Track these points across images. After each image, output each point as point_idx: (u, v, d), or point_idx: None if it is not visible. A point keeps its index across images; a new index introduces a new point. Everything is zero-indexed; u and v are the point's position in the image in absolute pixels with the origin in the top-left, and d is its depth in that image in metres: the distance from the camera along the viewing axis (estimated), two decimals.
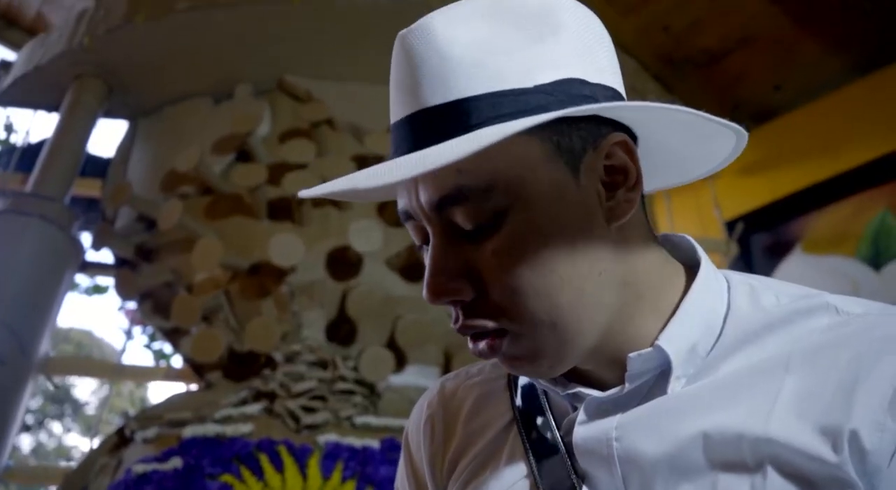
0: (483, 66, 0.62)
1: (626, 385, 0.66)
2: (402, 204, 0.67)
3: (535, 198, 0.62)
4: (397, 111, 0.66)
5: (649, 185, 0.76)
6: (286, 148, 3.00)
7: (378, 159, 3.01)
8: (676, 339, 0.65)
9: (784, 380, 0.62)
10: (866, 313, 0.65)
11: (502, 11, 0.65)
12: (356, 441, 2.58)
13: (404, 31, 0.66)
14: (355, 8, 3.07)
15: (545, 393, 0.74)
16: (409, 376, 2.97)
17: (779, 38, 3.57)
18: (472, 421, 0.78)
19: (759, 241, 3.72)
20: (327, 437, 2.57)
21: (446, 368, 2.97)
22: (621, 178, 0.66)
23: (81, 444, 11.93)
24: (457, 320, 0.65)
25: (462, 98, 0.62)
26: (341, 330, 2.95)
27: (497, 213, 0.62)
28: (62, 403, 11.66)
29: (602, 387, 0.68)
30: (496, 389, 0.78)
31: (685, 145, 0.72)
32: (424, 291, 0.64)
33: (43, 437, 11.67)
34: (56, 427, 11.80)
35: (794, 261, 3.55)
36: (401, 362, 2.89)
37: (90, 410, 11.81)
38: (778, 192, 3.69)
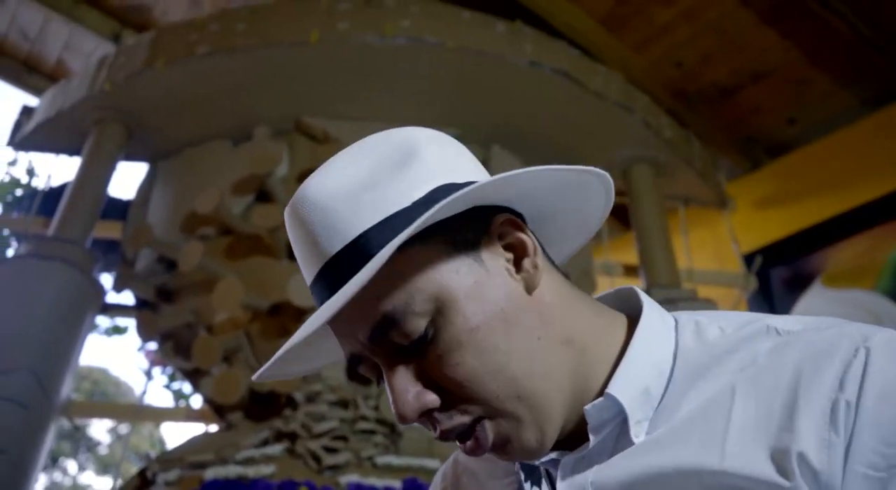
0: (362, 203, 0.69)
1: (592, 438, 0.70)
2: (346, 352, 0.73)
3: (455, 292, 0.68)
4: (308, 275, 0.73)
5: (561, 252, 0.84)
6: None
7: None
8: (625, 385, 0.70)
9: (732, 409, 0.65)
10: (803, 330, 0.69)
11: (364, 154, 0.72)
12: (378, 481, 2.56)
13: (288, 207, 0.74)
14: (371, 48, 3.11)
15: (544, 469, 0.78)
16: None
17: (792, 72, 3.59)
18: None
19: (779, 275, 3.71)
20: (349, 478, 2.56)
21: None
22: (521, 250, 0.72)
23: (96, 483, 11.90)
24: (435, 430, 0.70)
25: (355, 237, 0.68)
26: None
27: (428, 321, 0.67)
28: (77, 442, 11.63)
29: (577, 448, 0.72)
30: (501, 464, 0.83)
31: (570, 203, 0.78)
32: (396, 417, 0.69)
33: (58, 476, 11.63)
34: (71, 466, 11.76)
35: (815, 295, 3.54)
36: None
37: (104, 449, 11.79)
38: (795, 225, 3.69)
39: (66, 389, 2.85)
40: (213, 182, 3.21)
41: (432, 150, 0.74)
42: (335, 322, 0.70)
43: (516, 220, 0.74)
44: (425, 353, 0.68)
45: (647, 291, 2.99)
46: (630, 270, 3.61)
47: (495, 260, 0.72)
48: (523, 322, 0.70)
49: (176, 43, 3.21)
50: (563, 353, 0.71)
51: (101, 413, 3.79)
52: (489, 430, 0.69)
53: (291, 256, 3.01)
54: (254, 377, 0.77)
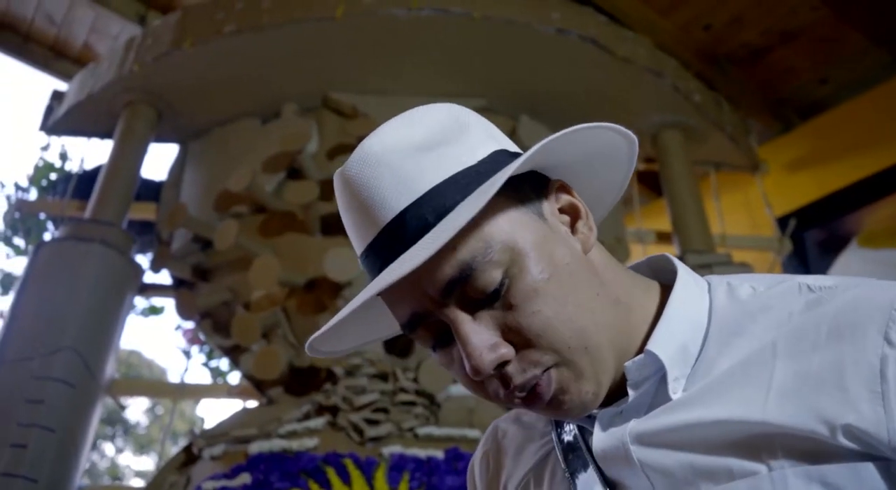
0: (430, 160, 0.71)
1: (631, 393, 0.72)
2: (407, 313, 0.73)
3: (529, 245, 0.70)
4: (366, 235, 0.73)
5: (597, 213, 0.86)
6: (336, 164, 3.03)
7: None
8: (664, 342, 0.72)
9: (774, 366, 0.67)
10: (835, 286, 0.70)
11: (417, 121, 0.75)
12: (421, 452, 2.60)
13: (341, 168, 0.75)
14: (396, 21, 3.10)
15: (578, 426, 0.80)
16: None
17: (822, 31, 3.54)
18: (519, 454, 0.88)
19: (813, 237, 3.68)
20: (392, 449, 2.59)
21: None
22: (575, 213, 0.76)
23: (133, 463, 12.11)
24: (506, 387, 0.70)
25: (427, 190, 0.70)
26: (398, 341, 2.97)
27: (504, 271, 0.69)
28: (114, 424, 11.82)
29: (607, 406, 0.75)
30: (539, 425, 0.88)
31: (603, 169, 0.81)
32: (469, 371, 0.69)
33: (95, 457, 11.83)
34: (108, 447, 11.97)
35: (850, 256, 3.51)
36: None
37: (141, 430, 11.98)
38: (829, 186, 3.65)
39: (110, 369, 2.90)
40: (243, 160, 3.23)
41: (478, 120, 0.77)
42: (402, 280, 0.68)
43: (568, 185, 0.77)
44: (497, 304, 0.69)
45: (681, 257, 2.98)
46: (663, 237, 3.59)
47: (554, 221, 0.75)
48: (586, 279, 0.72)
49: (202, 22, 3.21)
50: (615, 312, 0.73)
51: (144, 391, 3.86)
52: (554, 379, 0.70)
53: (325, 232, 3.03)
54: (308, 349, 0.79)
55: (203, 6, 3.30)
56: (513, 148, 0.78)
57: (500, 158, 0.73)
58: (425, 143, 0.72)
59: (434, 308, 0.70)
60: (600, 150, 0.78)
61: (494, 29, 3.13)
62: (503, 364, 0.69)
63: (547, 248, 0.71)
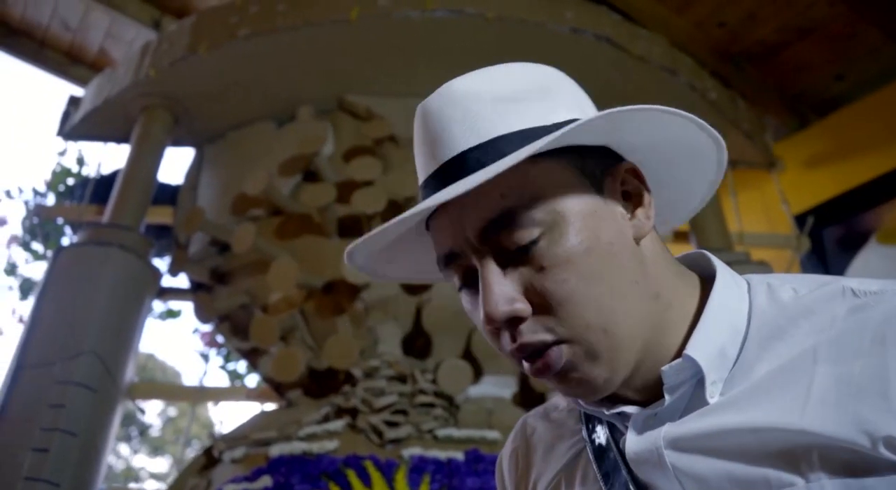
0: (506, 111, 0.72)
1: (667, 397, 0.71)
2: (444, 247, 0.74)
3: (575, 214, 0.70)
4: (429, 165, 0.75)
5: (664, 225, 0.86)
6: (352, 166, 3.04)
7: None
8: (703, 346, 0.71)
9: (814, 372, 0.65)
10: (881, 291, 0.68)
11: (510, 73, 0.77)
12: (441, 454, 2.59)
13: (424, 101, 0.78)
14: (411, 22, 3.10)
15: (609, 423, 0.79)
16: (486, 387, 2.98)
17: (838, 27, 3.52)
18: (549, 452, 0.87)
19: (832, 235, 3.65)
20: (412, 451, 2.59)
21: (522, 378, 2.97)
22: (637, 200, 0.75)
23: (149, 465, 12.16)
24: (514, 341, 0.70)
25: (494, 137, 0.71)
26: (417, 343, 2.97)
27: (543, 231, 0.69)
28: (129, 425, 11.87)
29: (642, 406, 0.74)
30: (569, 423, 0.87)
31: (683, 170, 0.80)
32: (484, 317, 0.69)
33: (111, 459, 11.88)
34: (124, 448, 12.02)
35: (870, 253, 3.48)
36: (477, 373, 2.91)
37: (155, 432, 12.03)
38: (847, 183, 3.63)
39: (130, 372, 2.91)
40: (259, 164, 3.24)
41: (570, 87, 0.79)
42: (446, 211, 0.72)
43: (640, 170, 0.77)
44: (528, 261, 0.69)
45: None
46: (680, 235, 3.58)
47: (613, 200, 0.74)
48: (626, 264, 0.71)
49: (217, 26, 3.22)
50: (650, 305, 0.72)
51: (163, 395, 3.88)
52: (564, 354, 0.69)
53: (342, 234, 3.04)
54: (346, 255, 0.79)
55: (218, 10, 3.31)
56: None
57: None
58: (508, 95, 0.74)
59: (469, 249, 0.72)
60: (681, 142, 0.77)
61: (508, 29, 3.13)
62: (518, 320, 0.69)
63: (593, 221, 0.71)
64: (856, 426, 0.60)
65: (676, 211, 0.86)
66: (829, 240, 3.66)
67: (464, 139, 0.72)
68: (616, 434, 0.77)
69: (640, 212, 0.75)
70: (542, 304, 0.69)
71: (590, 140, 0.74)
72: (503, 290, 0.69)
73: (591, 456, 0.79)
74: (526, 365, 0.71)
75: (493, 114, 0.72)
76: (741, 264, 3.08)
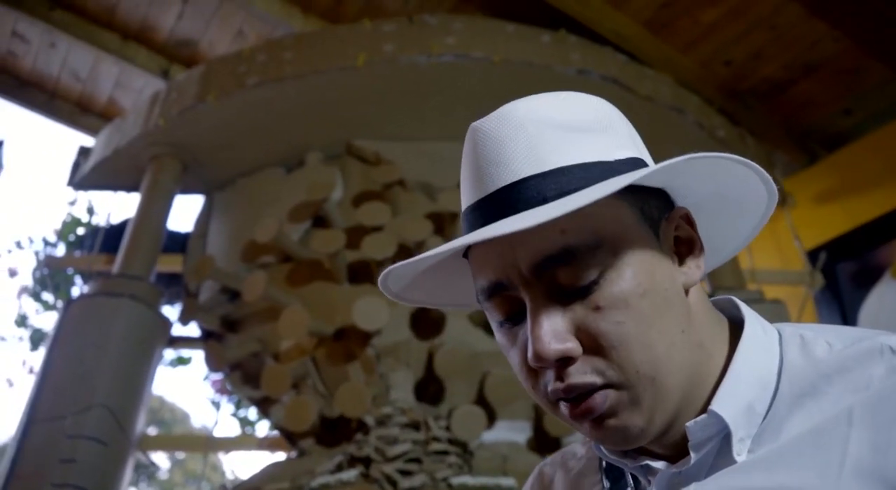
0: (570, 142, 0.70)
1: (692, 455, 0.68)
2: (490, 278, 0.71)
3: (634, 256, 0.68)
4: (479, 190, 0.72)
5: (713, 259, 0.84)
6: (361, 211, 3.03)
7: (452, 216, 3.03)
8: (730, 402, 0.68)
9: (850, 436, 0.62)
10: None
11: (572, 102, 0.75)
12: None
13: (478, 122, 0.76)
14: (417, 68, 3.12)
15: (632, 475, 0.76)
16: (500, 432, 2.94)
17: (845, 62, 3.52)
18: None
19: (846, 270, 3.62)
20: None
21: (537, 423, 2.93)
22: (687, 247, 0.73)
23: None
24: (559, 380, 0.67)
25: (556, 167, 0.69)
26: (429, 389, 2.94)
27: (602, 270, 0.66)
28: (137, 469, 11.77)
29: (667, 461, 0.71)
30: (587, 472, 0.84)
31: (731, 217, 0.79)
32: (531, 355, 0.66)
33: None
34: None
35: (885, 288, 3.45)
36: (491, 419, 2.87)
37: (163, 474, 11.93)
38: (859, 218, 3.61)
39: (140, 424, 2.88)
40: (268, 210, 3.24)
41: (626, 125, 0.77)
42: (497, 243, 0.69)
43: (693, 217, 0.75)
44: (583, 300, 0.67)
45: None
46: None
47: (667, 245, 0.73)
48: (677, 311, 0.69)
49: (226, 75, 3.25)
50: (695, 355, 0.70)
51: (175, 446, 3.84)
52: (609, 399, 0.67)
53: (353, 280, 3.03)
54: (380, 281, 0.78)
55: (226, 60, 3.34)
56: (650, 160, 0.77)
57: (633, 165, 0.72)
58: (570, 125, 0.72)
59: (519, 282, 0.69)
60: (734, 190, 0.75)
61: (515, 71, 3.14)
62: (568, 361, 0.67)
63: (651, 266, 0.69)
64: (888, 487, 0.58)
65: (714, 255, 0.85)
66: (843, 275, 3.63)
67: (524, 165, 0.70)
68: (639, 487, 0.75)
69: (690, 260, 0.74)
70: (593, 346, 0.67)
71: (653, 182, 0.72)
72: (555, 327, 0.67)
73: None
74: (564, 407, 0.69)
75: (554, 141, 0.70)
76: (755, 302, 3.05)
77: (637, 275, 0.67)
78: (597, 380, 0.67)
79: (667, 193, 0.75)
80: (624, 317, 0.66)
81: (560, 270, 0.67)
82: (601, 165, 0.69)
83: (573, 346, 0.66)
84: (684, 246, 0.74)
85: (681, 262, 0.73)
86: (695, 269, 0.73)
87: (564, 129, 0.71)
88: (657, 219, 0.72)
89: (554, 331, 0.66)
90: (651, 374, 0.66)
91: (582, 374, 0.67)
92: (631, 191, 0.70)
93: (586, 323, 0.67)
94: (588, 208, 0.64)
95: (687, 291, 0.73)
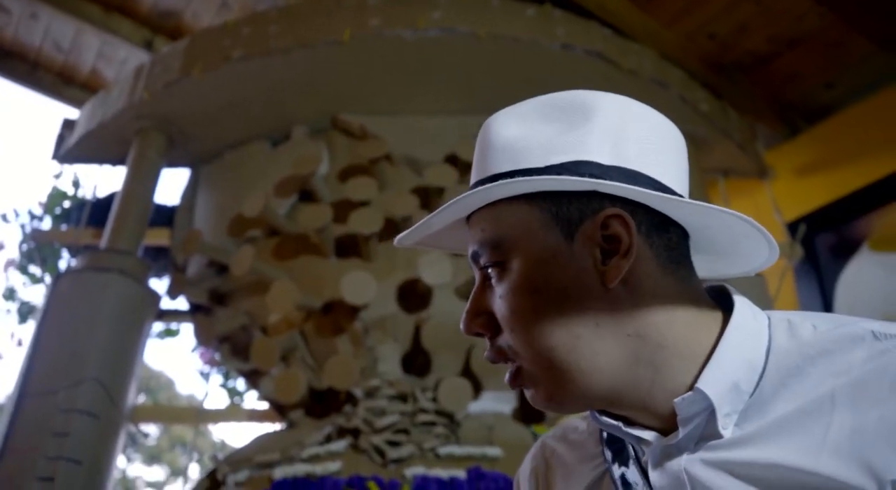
0: (510, 150, 0.78)
1: (680, 430, 0.73)
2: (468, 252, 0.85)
3: (529, 256, 0.76)
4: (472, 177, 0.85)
5: (714, 268, 0.87)
6: (348, 186, 3.05)
7: (438, 190, 3.05)
8: (714, 380, 0.73)
9: (832, 417, 0.68)
10: None
11: (548, 109, 0.80)
12: (443, 472, 2.61)
13: (487, 120, 0.85)
14: (403, 42, 3.11)
15: (631, 446, 0.81)
16: (486, 403, 2.99)
17: (828, 36, 3.55)
18: (570, 474, 0.89)
19: (824, 242, 3.68)
20: (414, 470, 2.61)
21: (522, 394, 2.98)
22: (614, 247, 0.75)
23: (145, 473, 12.12)
24: (488, 350, 0.80)
25: (489, 174, 0.79)
26: (416, 361, 2.99)
27: (500, 266, 0.78)
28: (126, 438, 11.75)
29: (660, 433, 0.77)
30: (589, 445, 0.89)
31: (726, 239, 0.81)
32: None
33: None
34: (120, 460, 11.91)
35: (862, 260, 3.52)
36: (477, 390, 2.92)
37: (151, 440, 11.98)
38: (839, 190, 3.66)
39: (131, 397, 2.92)
40: (255, 184, 3.25)
41: (601, 123, 0.78)
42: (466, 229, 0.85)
43: (628, 219, 0.75)
44: (494, 289, 0.79)
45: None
46: None
47: (587, 244, 0.76)
48: (586, 305, 0.75)
49: (211, 49, 3.23)
50: (625, 344, 0.75)
51: (165, 418, 3.89)
52: (521, 375, 0.78)
53: (340, 254, 3.06)
54: (397, 240, 0.89)
55: (211, 32, 3.32)
56: (627, 161, 0.77)
57: (568, 170, 0.75)
58: (528, 133, 0.79)
59: (471, 262, 0.83)
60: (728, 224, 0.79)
61: (500, 46, 3.15)
62: (490, 335, 0.80)
63: (550, 265, 0.76)
64: (866, 470, 0.63)
65: (719, 264, 0.86)
66: (822, 247, 3.69)
67: (478, 173, 0.82)
68: (638, 453, 0.80)
69: (614, 259, 0.75)
70: (500, 326, 0.78)
71: (569, 187, 0.75)
72: (474, 306, 0.80)
73: (613, 483, 0.81)
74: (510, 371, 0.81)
75: (499, 152, 0.79)
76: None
77: (529, 273, 0.76)
78: (508, 356, 0.78)
79: (601, 194, 0.76)
80: (516, 309, 0.76)
81: (480, 260, 0.80)
82: (526, 172, 0.76)
83: (479, 329, 0.79)
84: (614, 244, 0.75)
85: (606, 259, 0.75)
86: (614, 268, 0.74)
87: (516, 139, 0.78)
88: (577, 219, 0.76)
89: (471, 309, 0.80)
90: (546, 360, 0.75)
91: (496, 350, 0.79)
92: (549, 193, 0.76)
93: (495, 308, 0.78)
94: (499, 209, 0.78)
95: (610, 287, 0.74)
